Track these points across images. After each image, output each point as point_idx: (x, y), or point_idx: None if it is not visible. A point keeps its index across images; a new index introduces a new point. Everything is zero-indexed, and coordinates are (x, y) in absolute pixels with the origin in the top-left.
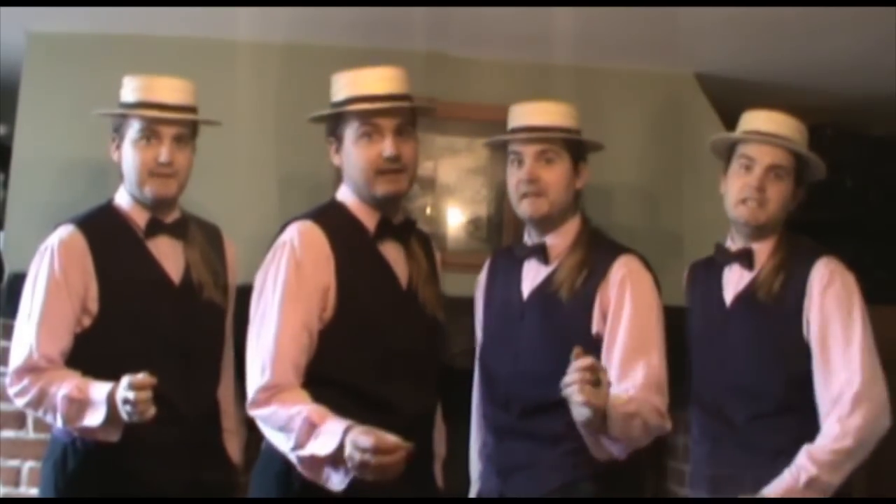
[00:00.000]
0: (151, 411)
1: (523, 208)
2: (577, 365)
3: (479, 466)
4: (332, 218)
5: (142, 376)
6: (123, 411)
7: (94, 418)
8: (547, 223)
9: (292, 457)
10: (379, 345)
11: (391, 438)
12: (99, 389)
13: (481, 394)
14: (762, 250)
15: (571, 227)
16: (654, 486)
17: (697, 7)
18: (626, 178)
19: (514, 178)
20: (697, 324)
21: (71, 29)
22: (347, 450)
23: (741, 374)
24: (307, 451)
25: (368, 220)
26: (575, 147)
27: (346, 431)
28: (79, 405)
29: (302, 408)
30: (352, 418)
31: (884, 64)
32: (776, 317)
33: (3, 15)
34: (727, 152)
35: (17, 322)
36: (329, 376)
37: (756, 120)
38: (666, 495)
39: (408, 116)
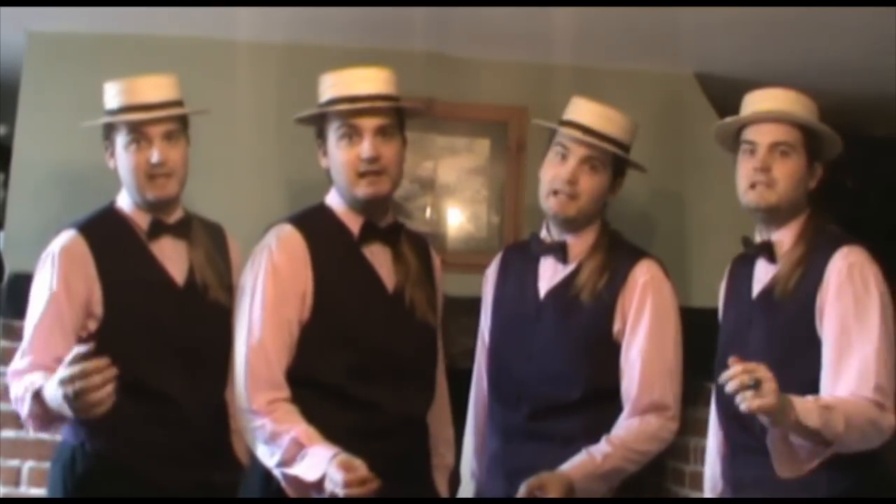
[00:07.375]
0: (104, 403)
1: (551, 204)
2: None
3: (474, 465)
4: (315, 222)
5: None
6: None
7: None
8: (571, 224)
9: (277, 472)
10: (359, 347)
11: (361, 472)
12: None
13: (489, 392)
14: (783, 241)
15: (592, 230)
16: (654, 486)
17: (697, 7)
18: (625, 178)
19: (552, 171)
20: (727, 323)
21: (71, 29)
22: (326, 481)
23: None
24: (293, 470)
25: (353, 223)
26: (620, 161)
27: (331, 460)
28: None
29: (291, 427)
30: (331, 418)
31: (884, 64)
32: (791, 315)
33: (3, 15)
34: (734, 144)
35: (25, 322)
36: (308, 377)
37: (753, 100)
38: (666, 495)
39: (392, 117)
